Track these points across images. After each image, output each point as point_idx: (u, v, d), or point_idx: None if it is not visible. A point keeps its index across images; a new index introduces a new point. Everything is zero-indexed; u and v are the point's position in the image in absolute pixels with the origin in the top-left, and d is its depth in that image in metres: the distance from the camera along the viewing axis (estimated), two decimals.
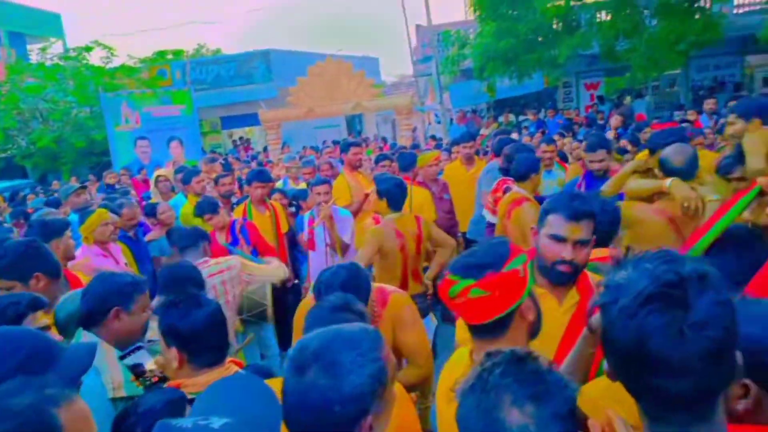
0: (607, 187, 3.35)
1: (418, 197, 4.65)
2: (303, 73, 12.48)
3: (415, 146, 11.40)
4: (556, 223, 1.79)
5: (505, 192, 3.92)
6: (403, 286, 3.33)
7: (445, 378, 1.58)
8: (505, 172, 4.24)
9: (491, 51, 11.19)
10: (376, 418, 1.11)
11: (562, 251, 1.78)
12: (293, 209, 5.24)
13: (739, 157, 2.71)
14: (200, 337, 1.82)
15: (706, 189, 2.85)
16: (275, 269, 3.66)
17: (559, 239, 1.78)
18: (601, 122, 11.18)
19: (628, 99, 16.29)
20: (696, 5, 10.11)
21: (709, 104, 8.51)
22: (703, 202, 2.69)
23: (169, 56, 19.68)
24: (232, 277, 3.21)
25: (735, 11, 14.40)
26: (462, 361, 1.53)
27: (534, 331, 1.48)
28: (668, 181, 2.79)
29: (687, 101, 13.41)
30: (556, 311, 1.81)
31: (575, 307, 1.83)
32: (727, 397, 1.18)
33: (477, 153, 7.35)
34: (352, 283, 2.13)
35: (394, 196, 3.54)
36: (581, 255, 1.81)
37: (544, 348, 1.68)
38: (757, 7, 12.88)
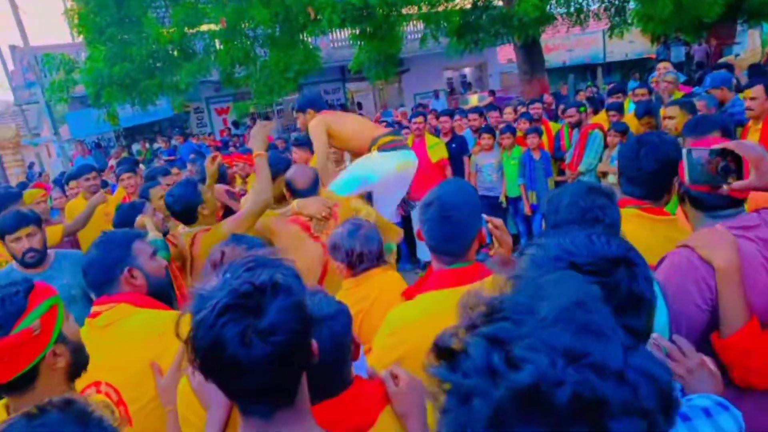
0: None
1: None
2: None
3: (23, 184, 9.70)
4: None
5: None
6: None
7: None
8: None
9: (105, 76, 10.33)
10: None
11: None
12: None
13: None
14: None
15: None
16: None
17: None
18: (237, 146, 11.57)
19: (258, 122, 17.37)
20: (297, 38, 11.40)
21: None
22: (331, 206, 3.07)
23: None
24: None
25: (332, 45, 16.91)
26: None
27: (75, 371, 1.43)
28: (295, 203, 3.07)
29: None
30: None
31: None
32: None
33: (105, 185, 6.69)
34: None
35: None
36: None
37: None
38: (345, 43, 15.33)
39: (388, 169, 3.70)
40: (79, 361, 1.44)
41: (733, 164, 1.46)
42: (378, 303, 2.16)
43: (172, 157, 9.74)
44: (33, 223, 3.11)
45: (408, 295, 1.86)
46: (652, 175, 1.92)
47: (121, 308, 1.86)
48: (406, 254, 6.68)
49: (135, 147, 16.11)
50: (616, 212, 1.57)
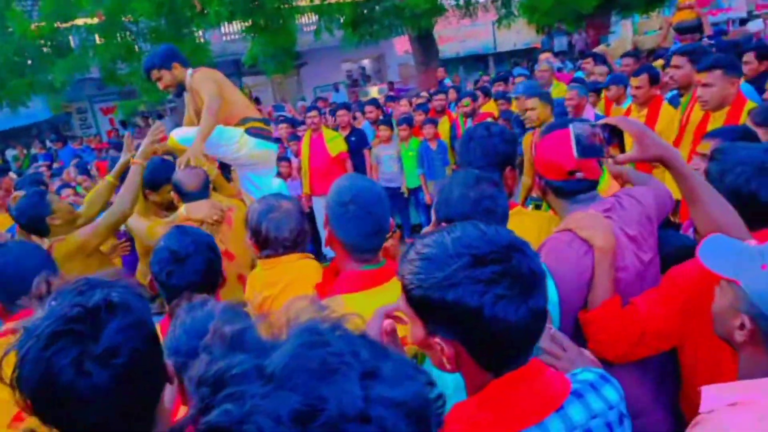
0: None
1: None
2: None
3: None
4: None
5: None
6: None
7: None
8: None
9: None
10: None
11: None
12: None
13: None
14: None
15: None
16: None
17: None
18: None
19: (150, 121, 16.44)
20: (184, 31, 10.83)
21: None
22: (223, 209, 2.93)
23: None
24: None
25: (225, 38, 16.29)
26: None
27: None
28: (183, 209, 2.90)
29: None
30: None
31: None
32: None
33: None
34: None
35: None
36: None
37: None
38: (239, 36, 14.83)
39: (243, 150, 3.53)
40: None
41: (616, 139, 1.56)
42: (288, 290, 2.03)
43: (46, 163, 8.90)
44: None
45: (319, 290, 1.79)
46: (481, 169, 1.87)
47: None
48: (312, 251, 6.59)
49: (10, 153, 14.65)
50: (504, 201, 1.59)
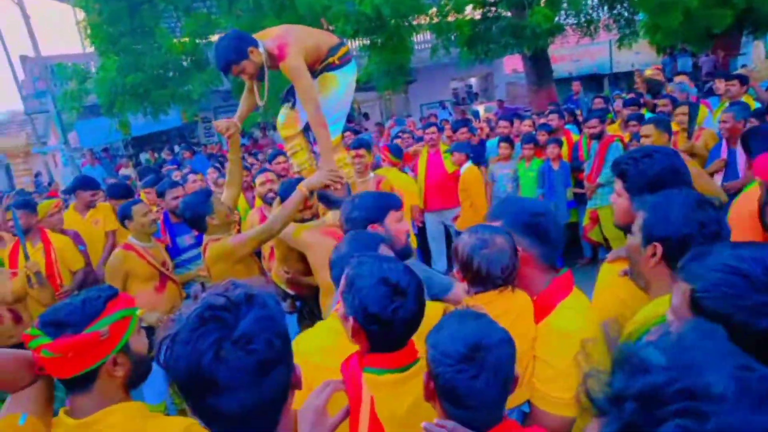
0: None
1: (58, 243, 4.37)
2: None
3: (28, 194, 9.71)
4: None
5: None
6: None
7: None
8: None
9: (118, 86, 10.40)
10: None
11: None
12: None
13: None
14: None
15: None
16: None
17: None
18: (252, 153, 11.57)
19: (266, 132, 17.45)
20: None
21: None
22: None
23: None
24: None
25: None
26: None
27: (132, 382, 1.48)
28: (330, 215, 3.04)
29: None
30: None
31: None
32: None
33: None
34: None
35: None
36: None
37: None
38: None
39: (344, 90, 3.35)
40: (138, 374, 1.49)
41: None
42: (518, 322, 1.75)
43: (173, 167, 9.68)
44: None
45: (540, 317, 1.70)
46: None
47: None
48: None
49: (143, 156, 16.15)
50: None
